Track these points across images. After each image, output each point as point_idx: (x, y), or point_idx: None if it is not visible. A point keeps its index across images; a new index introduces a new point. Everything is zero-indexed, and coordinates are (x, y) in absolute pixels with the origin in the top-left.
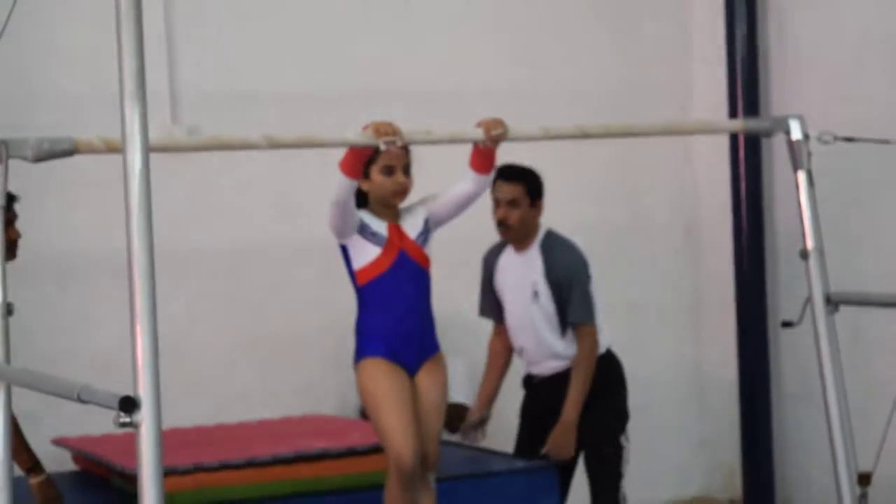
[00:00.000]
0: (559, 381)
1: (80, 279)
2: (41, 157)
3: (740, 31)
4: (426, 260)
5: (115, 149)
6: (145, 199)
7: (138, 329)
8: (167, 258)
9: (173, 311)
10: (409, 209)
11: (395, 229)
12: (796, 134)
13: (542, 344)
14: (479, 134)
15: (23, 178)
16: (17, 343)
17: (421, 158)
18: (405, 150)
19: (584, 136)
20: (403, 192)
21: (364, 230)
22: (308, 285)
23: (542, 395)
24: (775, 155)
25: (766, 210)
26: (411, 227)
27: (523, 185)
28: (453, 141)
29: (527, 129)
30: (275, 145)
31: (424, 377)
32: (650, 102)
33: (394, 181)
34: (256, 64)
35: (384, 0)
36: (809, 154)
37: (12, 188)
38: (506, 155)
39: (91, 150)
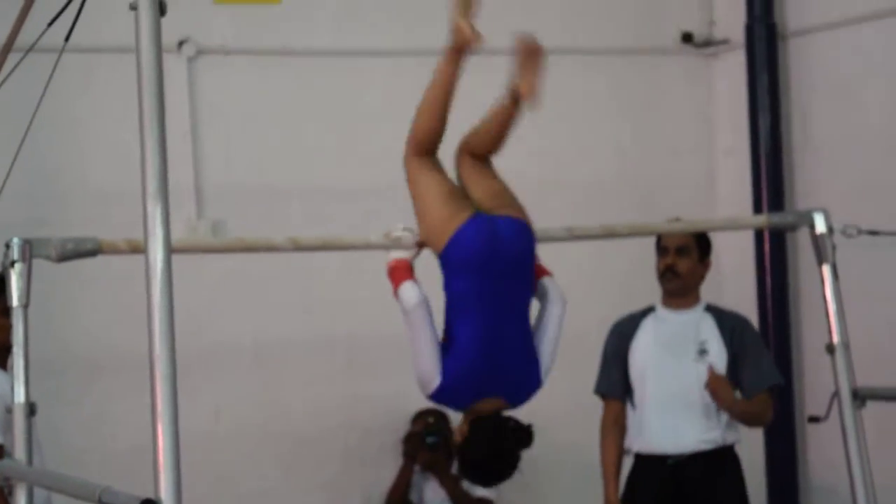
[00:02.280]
0: (707, 461)
1: (103, 375)
2: (65, 257)
3: (764, 122)
4: None
5: (139, 250)
6: (167, 299)
7: (160, 430)
8: (191, 353)
9: (197, 407)
10: None
11: None
12: (820, 227)
13: (695, 411)
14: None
15: (46, 273)
16: (40, 439)
17: None
18: None
19: (610, 235)
20: None
21: None
22: (332, 381)
23: (684, 479)
24: (800, 246)
25: (791, 302)
26: None
27: (694, 235)
28: None
29: (552, 230)
30: (299, 248)
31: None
32: (674, 194)
33: None
34: (281, 159)
35: (409, 93)
36: (834, 247)
37: (36, 285)
38: None
39: (115, 250)
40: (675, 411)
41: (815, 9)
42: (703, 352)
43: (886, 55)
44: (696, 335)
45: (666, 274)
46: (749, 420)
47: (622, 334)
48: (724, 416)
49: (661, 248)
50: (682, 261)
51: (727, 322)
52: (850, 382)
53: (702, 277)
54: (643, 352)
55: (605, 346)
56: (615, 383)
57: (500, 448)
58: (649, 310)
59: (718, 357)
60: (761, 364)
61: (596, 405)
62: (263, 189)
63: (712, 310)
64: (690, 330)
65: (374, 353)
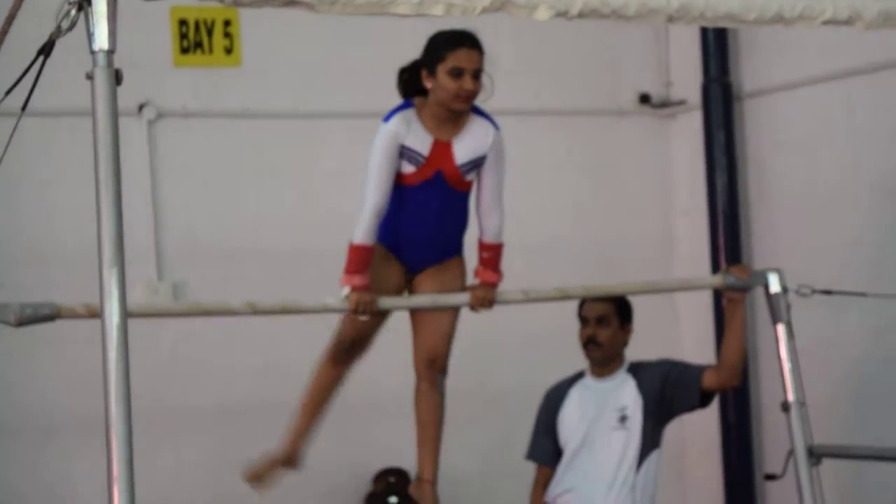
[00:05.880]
0: None
1: (61, 438)
2: (23, 322)
3: (721, 181)
4: (466, 185)
5: (97, 314)
6: (123, 363)
7: (115, 494)
8: (151, 414)
9: (157, 470)
10: (478, 127)
11: (441, 148)
12: (775, 287)
13: (613, 478)
14: (461, 299)
15: (6, 334)
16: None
17: None
18: (480, 52)
19: (566, 298)
20: (468, 98)
21: (404, 153)
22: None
23: None
24: (758, 305)
25: (750, 361)
26: (467, 149)
27: (613, 304)
28: (434, 306)
29: (508, 293)
30: (257, 312)
31: (426, 279)
32: (633, 254)
33: (459, 86)
34: (241, 220)
35: (366, 156)
36: (789, 307)
37: None
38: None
39: (73, 315)
40: (595, 481)
41: (770, 70)
42: (623, 418)
43: (838, 115)
44: (616, 402)
45: (588, 345)
46: (742, 349)
47: (551, 402)
48: (639, 484)
49: (582, 319)
50: (603, 330)
51: (645, 374)
52: (805, 440)
53: (624, 343)
54: (569, 421)
55: (537, 413)
56: (546, 450)
57: None
58: (579, 376)
59: (636, 423)
60: (689, 367)
61: None
62: (224, 250)
63: (633, 369)
64: (612, 398)
65: (336, 413)
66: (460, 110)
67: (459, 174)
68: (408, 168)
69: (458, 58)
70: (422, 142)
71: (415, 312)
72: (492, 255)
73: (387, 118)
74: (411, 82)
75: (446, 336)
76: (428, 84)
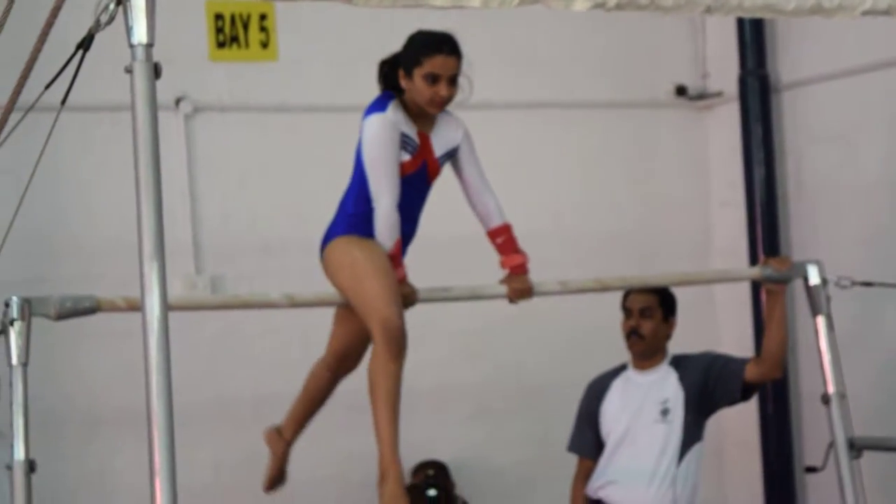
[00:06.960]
0: None
1: (104, 431)
2: (63, 315)
3: (758, 174)
4: (435, 178)
5: (137, 307)
6: (164, 356)
7: (157, 486)
8: (191, 407)
9: (197, 461)
10: (447, 121)
11: (424, 139)
12: (814, 279)
13: (654, 471)
14: (500, 290)
15: (46, 329)
16: (41, 496)
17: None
18: (458, 58)
19: (604, 289)
20: (442, 104)
21: (402, 141)
22: (331, 435)
23: None
24: (797, 297)
25: (790, 353)
26: (441, 142)
27: (657, 296)
28: (473, 298)
29: (546, 284)
30: (294, 304)
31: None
32: (671, 247)
33: (434, 91)
34: (278, 213)
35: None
36: (829, 298)
37: (35, 340)
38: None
39: (113, 308)
40: (637, 473)
41: (807, 61)
42: (665, 412)
43: (876, 106)
44: (658, 395)
45: (630, 336)
46: (784, 340)
47: (594, 394)
48: (680, 477)
49: (626, 310)
50: (646, 322)
51: (687, 367)
52: (846, 433)
53: (667, 336)
54: (611, 414)
55: (579, 405)
56: (587, 442)
57: None
58: (621, 368)
59: (678, 416)
60: (733, 359)
61: None
62: (261, 243)
63: (676, 362)
64: (654, 391)
65: None
66: (433, 113)
67: (438, 165)
68: (404, 157)
69: (435, 64)
70: (412, 130)
71: (341, 310)
72: (506, 237)
73: (377, 109)
74: (391, 76)
75: (367, 338)
76: (403, 83)
